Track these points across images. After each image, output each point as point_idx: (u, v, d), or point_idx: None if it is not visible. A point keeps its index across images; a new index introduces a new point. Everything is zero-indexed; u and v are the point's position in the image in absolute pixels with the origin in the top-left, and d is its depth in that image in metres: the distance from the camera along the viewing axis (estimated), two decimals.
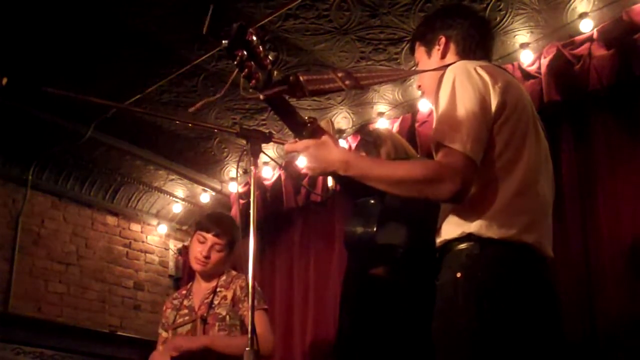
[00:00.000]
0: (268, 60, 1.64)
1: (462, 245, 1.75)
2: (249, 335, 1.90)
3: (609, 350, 3.02)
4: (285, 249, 4.77)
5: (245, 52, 1.60)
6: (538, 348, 1.70)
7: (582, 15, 3.36)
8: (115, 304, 5.16)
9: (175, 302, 3.24)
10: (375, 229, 2.00)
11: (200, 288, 3.22)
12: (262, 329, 2.91)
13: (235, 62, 1.62)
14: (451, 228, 1.79)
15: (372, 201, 2.08)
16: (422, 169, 1.75)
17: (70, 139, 4.50)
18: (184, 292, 3.28)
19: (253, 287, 1.96)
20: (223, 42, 1.62)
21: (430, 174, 1.71)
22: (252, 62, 1.62)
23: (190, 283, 3.32)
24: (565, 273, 3.14)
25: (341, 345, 2.41)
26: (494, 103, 1.77)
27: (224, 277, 3.20)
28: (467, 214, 1.76)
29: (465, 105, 1.74)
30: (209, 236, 3.14)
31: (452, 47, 2.06)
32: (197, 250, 3.14)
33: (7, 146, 4.58)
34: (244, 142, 2.12)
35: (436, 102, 1.83)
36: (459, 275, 1.73)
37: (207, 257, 3.12)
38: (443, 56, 2.06)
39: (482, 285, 1.69)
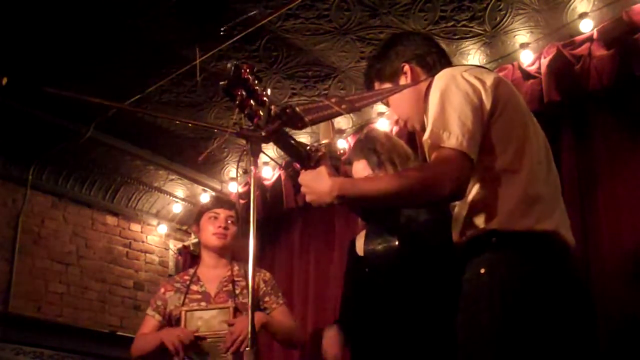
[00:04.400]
0: (265, 97, 1.65)
1: (485, 242, 1.74)
2: (249, 335, 1.90)
3: (609, 351, 3.02)
4: (285, 249, 4.77)
5: (244, 92, 1.61)
6: (565, 344, 1.66)
7: (582, 15, 3.37)
8: (115, 304, 5.16)
9: (178, 285, 3.23)
10: (397, 242, 1.98)
11: (211, 274, 3.25)
12: (293, 321, 3.25)
13: (237, 102, 1.63)
14: (472, 226, 1.78)
15: (384, 216, 2.06)
16: (418, 175, 1.74)
17: (70, 139, 4.50)
18: (187, 277, 3.27)
19: (253, 287, 1.96)
20: (220, 83, 1.63)
21: (426, 177, 1.71)
22: (251, 100, 1.63)
23: (193, 269, 3.34)
24: None
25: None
26: (487, 101, 1.78)
27: (236, 267, 3.28)
28: (485, 211, 1.75)
29: (454, 107, 1.74)
30: (221, 210, 3.29)
31: (418, 70, 2.05)
32: (215, 226, 3.25)
33: (7, 146, 4.58)
34: (244, 142, 2.12)
35: (425, 112, 1.84)
36: (482, 271, 1.71)
37: (227, 228, 3.25)
38: (413, 80, 2.04)
39: (506, 280, 1.68)
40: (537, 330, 1.64)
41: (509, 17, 3.43)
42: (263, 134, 1.69)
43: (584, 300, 1.76)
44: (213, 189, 5.20)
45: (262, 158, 2.89)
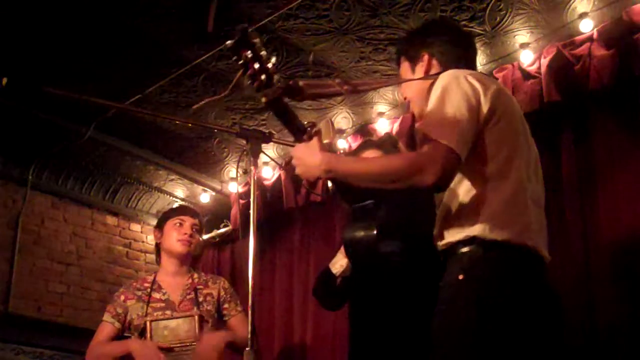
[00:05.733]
0: (270, 64, 1.68)
1: (465, 248, 1.77)
2: (249, 335, 1.91)
3: (609, 351, 3.02)
4: (285, 249, 4.76)
5: (249, 53, 1.64)
6: (536, 350, 1.71)
7: (582, 15, 3.36)
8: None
9: (139, 293, 3.23)
10: (375, 232, 2.00)
11: (172, 282, 3.26)
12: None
13: (241, 62, 1.67)
14: (454, 231, 1.81)
15: (370, 205, 2.07)
16: (403, 160, 1.84)
17: (70, 139, 4.50)
18: (146, 284, 3.27)
19: (253, 287, 1.97)
20: (227, 42, 1.66)
21: (411, 163, 1.76)
22: (256, 64, 1.65)
23: (151, 276, 3.34)
24: (565, 273, 3.14)
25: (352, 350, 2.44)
26: (485, 107, 1.82)
27: (196, 276, 3.33)
28: (468, 217, 1.78)
29: (453, 106, 1.79)
30: (187, 217, 3.33)
31: (434, 63, 2.10)
32: (180, 233, 3.28)
33: (7, 146, 4.58)
34: (244, 142, 2.12)
35: (427, 107, 1.88)
36: (460, 277, 1.75)
37: (192, 235, 3.29)
38: (427, 72, 2.10)
39: (483, 287, 1.72)
40: (511, 337, 1.68)
41: (509, 17, 3.43)
42: (264, 99, 1.72)
43: (556, 313, 1.82)
44: (213, 189, 5.20)
45: (262, 158, 2.90)
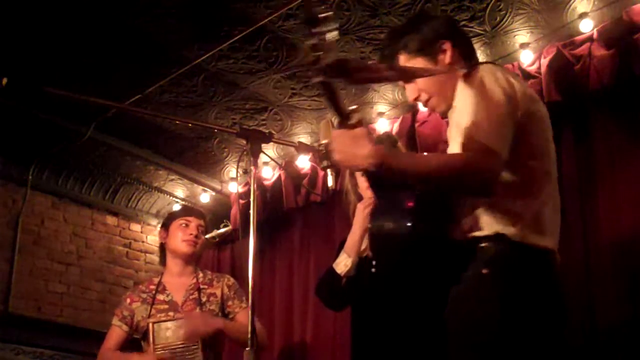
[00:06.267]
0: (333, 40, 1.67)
1: (492, 244, 1.78)
2: (249, 335, 1.91)
3: (609, 351, 3.02)
4: (285, 249, 4.76)
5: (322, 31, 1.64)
6: (551, 350, 1.75)
7: (582, 15, 3.36)
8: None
9: (144, 295, 3.25)
10: (409, 223, 1.94)
11: (177, 283, 3.27)
12: (257, 325, 3.00)
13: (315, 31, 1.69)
14: (482, 226, 1.82)
15: (401, 197, 2.01)
16: (461, 161, 1.75)
17: (70, 139, 4.50)
18: (152, 286, 3.29)
19: (253, 287, 1.97)
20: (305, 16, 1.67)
21: (468, 165, 1.72)
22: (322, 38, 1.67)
23: (157, 278, 3.35)
24: (565, 273, 3.13)
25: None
26: (522, 108, 1.81)
27: (201, 275, 3.32)
28: (500, 215, 1.79)
29: (495, 105, 1.76)
30: (192, 218, 3.34)
31: (456, 51, 2.01)
32: (185, 233, 3.29)
33: (7, 146, 4.58)
34: (244, 142, 2.12)
35: (464, 102, 1.83)
36: (484, 271, 1.76)
37: (197, 236, 3.30)
38: (452, 62, 2.00)
39: (507, 284, 1.74)
40: (528, 335, 1.71)
41: (509, 17, 3.43)
42: (318, 77, 1.67)
43: (565, 315, 1.86)
44: (213, 189, 5.20)
45: (262, 158, 2.90)
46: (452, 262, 1.86)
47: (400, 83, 2.11)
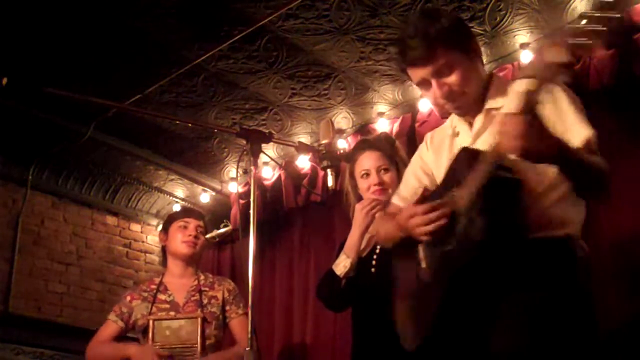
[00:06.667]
0: None
1: (561, 245, 1.92)
2: (249, 336, 1.91)
3: (609, 351, 3.02)
4: (285, 249, 4.76)
5: None
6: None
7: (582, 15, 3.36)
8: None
9: (145, 294, 3.26)
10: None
11: (178, 283, 3.27)
12: (246, 335, 2.83)
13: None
14: (555, 226, 1.91)
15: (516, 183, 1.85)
16: (607, 166, 1.90)
17: (70, 139, 4.50)
18: (153, 286, 3.29)
19: (253, 287, 1.97)
20: None
21: (607, 169, 1.88)
22: None
23: (158, 278, 3.36)
24: None
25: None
26: None
27: (202, 277, 3.34)
28: (569, 217, 1.95)
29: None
30: (191, 220, 3.36)
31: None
32: (185, 234, 3.30)
33: (7, 146, 4.58)
34: (244, 142, 2.12)
35: (568, 106, 2.01)
36: (553, 270, 1.89)
37: (197, 237, 3.31)
38: (482, 64, 2.05)
39: (582, 286, 1.97)
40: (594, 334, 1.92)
41: (509, 17, 3.43)
42: None
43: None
44: (213, 189, 5.20)
45: (262, 158, 2.90)
46: (521, 262, 1.82)
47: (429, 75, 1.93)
